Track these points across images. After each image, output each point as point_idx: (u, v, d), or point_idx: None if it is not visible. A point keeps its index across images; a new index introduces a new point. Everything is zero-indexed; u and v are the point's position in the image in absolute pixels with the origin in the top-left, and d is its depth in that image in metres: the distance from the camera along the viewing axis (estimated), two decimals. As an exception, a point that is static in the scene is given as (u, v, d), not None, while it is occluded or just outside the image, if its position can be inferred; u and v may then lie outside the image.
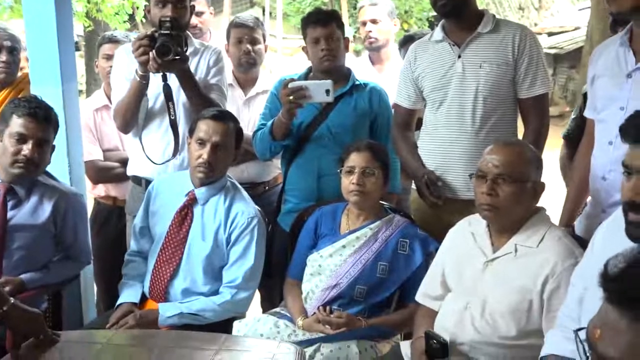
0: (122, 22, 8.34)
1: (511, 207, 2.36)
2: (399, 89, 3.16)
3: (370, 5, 4.23)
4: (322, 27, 3.16)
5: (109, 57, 3.57)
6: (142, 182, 3.27)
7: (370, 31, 4.17)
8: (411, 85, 3.08)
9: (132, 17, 8.73)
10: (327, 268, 2.85)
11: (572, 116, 3.47)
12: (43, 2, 3.17)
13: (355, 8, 13.21)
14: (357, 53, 9.14)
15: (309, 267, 2.91)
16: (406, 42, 3.83)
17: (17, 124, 2.78)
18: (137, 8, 8.31)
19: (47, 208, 2.89)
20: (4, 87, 3.56)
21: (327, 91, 3.00)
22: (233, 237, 2.87)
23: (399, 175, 3.34)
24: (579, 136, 2.92)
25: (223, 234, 2.88)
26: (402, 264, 2.81)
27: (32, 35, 3.24)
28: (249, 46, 3.68)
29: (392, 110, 3.28)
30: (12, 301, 2.08)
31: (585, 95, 2.86)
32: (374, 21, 4.18)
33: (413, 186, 3.10)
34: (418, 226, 2.93)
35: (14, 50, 3.55)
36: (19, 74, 3.67)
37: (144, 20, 8.46)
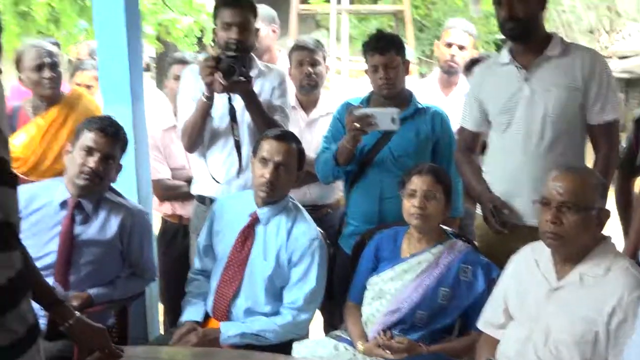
0: (191, 45, 8.51)
1: (576, 235, 2.30)
2: (464, 111, 3.13)
3: (463, 31, 4.19)
4: (381, 54, 3.16)
5: (178, 78, 3.65)
6: (206, 201, 3.32)
7: (454, 55, 4.14)
8: (476, 108, 3.05)
9: (200, 40, 8.90)
10: (387, 292, 2.83)
11: (624, 145, 3.35)
12: (114, 24, 3.27)
13: (421, 30, 13.21)
14: (422, 75, 9.10)
15: (369, 290, 2.90)
16: (472, 65, 3.79)
17: (87, 137, 2.87)
18: (205, 30, 8.47)
19: (114, 224, 2.95)
20: (53, 103, 3.68)
21: (393, 119, 3.00)
22: (294, 258, 2.88)
23: (461, 198, 3.30)
24: (630, 166, 2.84)
25: (285, 254, 2.89)
26: (464, 291, 2.77)
27: (104, 56, 3.35)
28: (310, 68, 3.70)
29: (455, 134, 3.25)
30: (77, 315, 2.12)
31: (637, 122, 2.77)
32: (461, 47, 4.15)
33: (477, 211, 3.06)
34: (480, 252, 2.88)
35: (55, 66, 3.66)
36: (64, 89, 3.79)
37: (212, 43, 8.60)
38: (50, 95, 3.64)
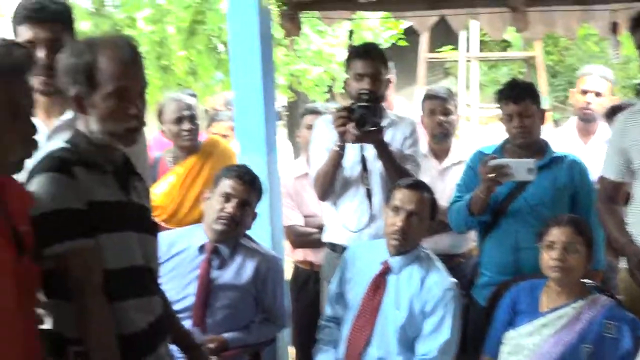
0: (321, 93, 8.68)
1: None
2: (605, 160, 3.01)
3: (600, 77, 4.08)
4: (515, 103, 3.11)
5: (311, 128, 3.71)
6: (338, 249, 3.32)
7: (590, 103, 4.03)
8: (619, 157, 2.92)
9: (330, 89, 9.06)
10: (525, 347, 2.72)
11: None
12: (250, 76, 3.40)
13: (553, 76, 12.87)
14: (556, 123, 8.85)
15: (506, 345, 2.79)
16: (614, 112, 3.65)
17: (225, 184, 2.97)
18: (335, 80, 8.62)
19: (249, 270, 3.02)
20: (191, 153, 3.81)
21: (530, 170, 2.93)
22: (428, 309, 2.83)
23: (602, 250, 3.15)
24: None
25: (417, 304, 2.84)
26: (609, 348, 2.62)
27: (240, 106, 3.47)
28: (441, 117, 3.69)
29: (596, 184, 3.13)
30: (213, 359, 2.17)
31: None
32: (598, 94, 4.03)
33: (621, 264, 2.91)
34: (625, 307, 2.73)
35: (193, 118, 3.78)
36: (201, 138, 3.93)
37: (342, 92, 8.74)
38: (189, 147, 3.80)
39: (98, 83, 1.89)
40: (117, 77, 1.89)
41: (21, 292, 1.69)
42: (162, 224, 3.57)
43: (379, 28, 8.75)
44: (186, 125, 3.73)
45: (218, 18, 6.95)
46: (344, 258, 3.10)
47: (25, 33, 2.21)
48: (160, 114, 3.84)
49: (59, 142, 1.99)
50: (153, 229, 2.14)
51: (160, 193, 3.72)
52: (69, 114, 2.16)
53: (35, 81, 2.15)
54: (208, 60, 7.55)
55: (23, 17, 2.22)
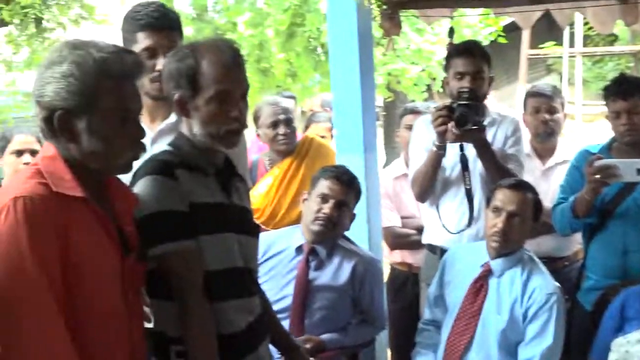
0: (420, 93, 8.60)
1: None
2: None
3: None
4: (623, 99, 2.98)
5: (410, 128, 3.67)
6: (437, 251, 3.28)
7: None
8: None
9: (429, 88, 8.96)
10: (635, 355, 2.59)
11: None
12: (349, 76, 3.39)
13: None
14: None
15: (614, 352, 2.68)
16: None
17: (323, 185, 2.98)
18: (434, 79, 8.52)
19: (346, 271, 3.01)
20: (287, 155, 3.82)
21: (638, 170, 2.80)
22: (530, 314, 2.75)
23: None
24: None
25: (520, 309, 2.77)
26: None
27: (339, 107, 3.47)
28: (546, 115, 3.58)
29: None
30: None
31: None
32: None
33: None
34: None
35: (289, 122, 3.79)
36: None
37: (440, 90, 8.64)
38: (284, 150, 3.83)
39: (201, 87, 1.92)
40: (219, 81, 1.92)
41: (127, 292, 1.74)
42: (261, 226, 3.62)
43: (478, 25, 8.60)
44: (282, 129, 3.75)
45: (317, 19, 7.00)
46: (444, 260, 3.05)
47: (145, 40, 2.27)
48: (256, 118, 3.88)
49: (163, 145, 2.04)
50: (254, 230, 2.17)
51: (258, 195, 3.76)
52: (172, 118, 2.21)
53: (151, 87, 2.22)
54: (307, 62, 7.63)
55: (143, 24, 2.28)
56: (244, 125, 2.00)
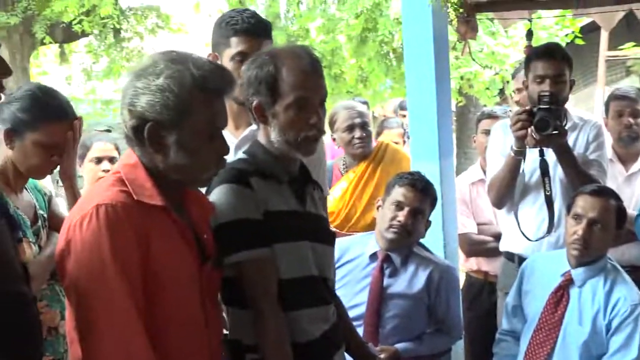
0: (491, 97, 8.46)
1: None
2: None
3: None
4: None
5: (487, 132, 3.62)
6: (515, 259, 3.21)
7: None
8: None
9: (501, 92, 8.81)
10: None
11: None
12: (424, 81, 3.35)
13: None
14: None
15: None
16: None
17: (397, 192, 2.94)
18: (507, 82, 8.38)
19: (421, 279, 2.96)
20: (362, 159, 3.81)
21: None
22: (614, 325, 2.65)
23: None
24: None
25: (602, 320, 2.67)
26: None
27: (414, 113, 3.44)
28: (630, 119, 3.47)
29: None
30: None
31: None
32: None
33: None
34: None
35: (365, 126, 3.79)
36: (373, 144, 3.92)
37: (513, 94, 8.47)
38: (360, 154, 3.81)
39: (280, 93, 1.92)
40: (298, 87, 1.92)
41: (204, 300, 1.75)
42: (336, 230, 3.62)
43: (555, 27, 8.41)
44: (358, 133, 3.75)
45: (389, 24, 6.97)
46: (523, 269, 2.98)
47: (239, 45, 2.30)
48: (332, 122, 3.89)
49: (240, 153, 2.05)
50: (330, 238, 2.15)
51: (333, 199, 3.77)
52: (255, 125, 2.23)
53: (240, 92, 2.23)
54: (378, 67, 7.61)
55: (238, 29, 2.31)
56: (321, 132, 1.99)
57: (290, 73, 1.91)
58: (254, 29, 2.31)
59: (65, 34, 8.78)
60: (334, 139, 3.96)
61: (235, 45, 2.31)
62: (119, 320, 1.55)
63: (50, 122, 2.19)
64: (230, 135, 2.01)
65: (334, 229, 3.34)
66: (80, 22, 7.84)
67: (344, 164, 3.94)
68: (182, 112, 1.64)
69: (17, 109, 2.14)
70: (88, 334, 1.56)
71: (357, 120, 3.76)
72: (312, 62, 1.95)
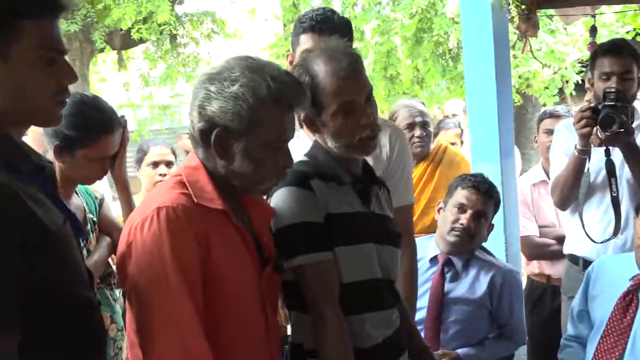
0: (551, 96, 8.28)
1: None
2: None
3: None
4: None
5: (550, 132, 3.55)
6: (580, 262, 3.12)
7: None
8: None
9: (561, 91, 8.61)
10: None
11: None
12: (484, 82, 3.30)
13: None
14: None
15: None
16: None
17: (460, 194, 2.89)
18: (567, 82, 8.18)
19: (483, 283, 2.91)
20: (420, 160, 3.76)
21: None
22: (687, 331, 2.55)
23: None
24: None
25: (675, 326, 2.57)
26: None
27: (474, 113, 3.38)
28: None
29: None
30: None
31: None
32: None
33: None
34: None
35: (425, 125, 3.75)
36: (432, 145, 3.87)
37: (573, 93, 8.28)
38: (419, 153, 3.76)
39: (322, 103, 1.89)
40: (338, 94, 1.87)
41: (264, 304, 1.73)
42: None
43: (615, 24, 8.20)
44: (418, 132, 3.71)
45: (445, 23, 6.88)
46: (589, 272, 2.88)
47: (306, 42, 2.31)
48: (392, 120, 3.84)
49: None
50: (395, 240, 2.10)
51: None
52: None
53: None
54: (434, 68, 7.52)
55: (306, 26, 2.33)
56: (376, 129, 1.94)
57: (327, 81, 1.87)
58: (319, 26, 2.30)
59: (123, 41, 8.93)
60: None
61: (303, 42, 2.31)
62: (178, 323, 1.54)
63: (100, 137, 2.19)
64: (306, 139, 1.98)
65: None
66: (137, 29, 7.97)
67: None
68: (253, 122, 1.62)
69: (64, 126, 2.10)
70: (148, 336, 1.56)
71: (418, 119, 3.72)
72: (349, 62, 1.89)
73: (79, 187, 2.39)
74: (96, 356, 1.52)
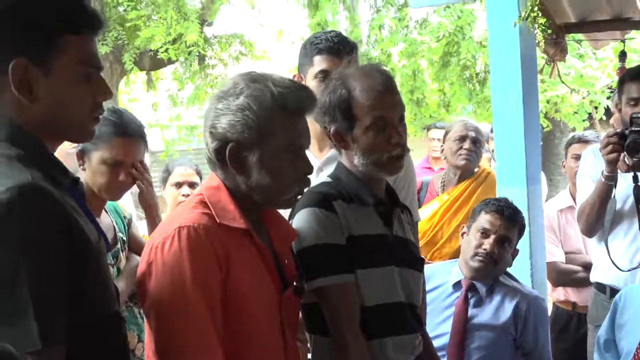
0: (580, 122, 8.22)
1: None
2: None
3: None
4: None
5: (577, 158, 3.51)
6: (607, 290, 3.06)
7: None
8: None
9: (590, 116, 8.54)
10: None
11: None
12: (511, 106, 3.27)
13: None
14: None
15: None
16: None
17: (483, 219, 2.86)
18: (597, 107, 8.12)
19: (508, 309, 2.86)
20: (463, 178, 3.73)
21: None
22: None
23: None
24: None
25: None
26: None
27: (501, 137, 3.36)
28: None
29: None
30: None
31: None
32: None
33: None
34: None
35: (477, 142, 3.72)
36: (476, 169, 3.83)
37: (602, 118, 8.21)
38: (463, 167, 3.72)
39: (356, 117, 1.89)
40: (373, 108, 1.88)
41: (284, 325, 1.72)
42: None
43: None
44: (467, 145, 3.68)
45: (472, 47, 6.89)
46: (616, 301, 2.82)
47: (322, 63, 2.33)
48: (446, 134, 3.86)
49: (325, 176, 2.01)
50: (418, 264, 2.08)
51: (423, 219, 3.68)
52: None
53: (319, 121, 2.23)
54: (460, 91, 7.52)
55: (321, 47, 2.34)
56: (405, 149, 1.93)
57: (363, 95, 1.88)
58: (336, 47, 2.32)
59: (152, 62, 9.05)
60: (441, 150, 3.92)
61: (318, 63, 2.32)
62: (197, 343, 1.53)
63: (111, 138, 2.22)
64: (314, 158, 1.98)
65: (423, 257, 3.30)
66: (166, 50, 8.06)
67: (442, 183, 3.85)
68: (263, 131, 1.63)
69: None
70: (167, 355, 1.56)
71: (471, 134, 3.71)
72: (385, 80, 1.91)
73: (108, 205, 2.41)
74: None
